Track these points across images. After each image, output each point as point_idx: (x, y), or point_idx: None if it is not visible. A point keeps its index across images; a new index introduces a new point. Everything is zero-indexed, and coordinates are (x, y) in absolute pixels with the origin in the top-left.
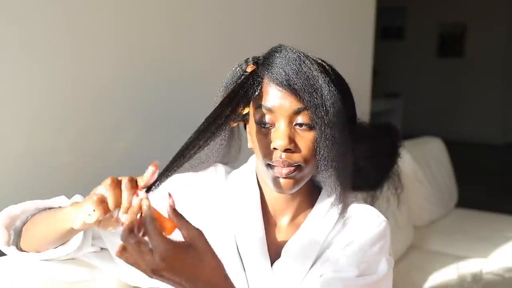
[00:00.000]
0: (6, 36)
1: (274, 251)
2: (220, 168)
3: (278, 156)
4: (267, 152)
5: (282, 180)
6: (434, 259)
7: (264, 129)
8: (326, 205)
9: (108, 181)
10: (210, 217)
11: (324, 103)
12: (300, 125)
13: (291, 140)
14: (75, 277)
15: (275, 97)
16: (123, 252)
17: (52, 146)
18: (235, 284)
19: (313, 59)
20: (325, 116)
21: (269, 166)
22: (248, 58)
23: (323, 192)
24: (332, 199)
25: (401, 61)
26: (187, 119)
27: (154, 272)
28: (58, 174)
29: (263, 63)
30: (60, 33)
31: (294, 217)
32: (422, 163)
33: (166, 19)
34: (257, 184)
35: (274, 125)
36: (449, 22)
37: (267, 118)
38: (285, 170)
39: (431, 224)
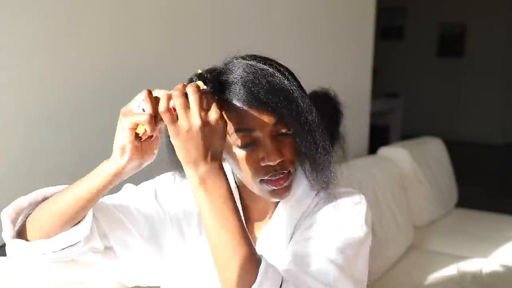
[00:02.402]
0: (6, 37)
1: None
2: None
3: (272, 170)
4: (257, 170)
5: (279, 190)
6: (434, 259)
7: (247, 149)
8: (303, 189)
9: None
10: (192, 217)
11: (302, 111)
12: (281, 134)
13: (280, 151)
14: (73, 277)
15: (252, 117)
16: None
17: (51, 146)
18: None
19: (274, 65)
20: (305, 124)
21: (262, 181)
22: (192, 77)
23: (299, 176)
24: (308, 181)
25: (401, 61)
26: None
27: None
28: (57, 174)
29: (224, 85)
30: (60, 34)
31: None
32: (422, 163)
33: (165, 19)
34: (233, 178)
35: (256, 142)
36: (449, 22)
37: (249, 138)
38: (282, 181)
39: (431, 224)
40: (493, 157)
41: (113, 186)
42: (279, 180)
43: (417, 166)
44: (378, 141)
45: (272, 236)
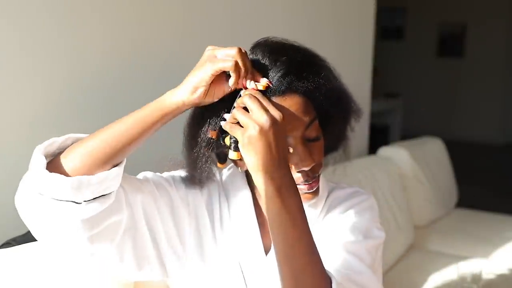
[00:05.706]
0: (6, 36)
1: (269, 243)
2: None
3: (305, 175)
4: None
5: (309, 194)
6: (434, 259)
7: None
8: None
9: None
10: (211, 219)
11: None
12: (311, 140)
13: (312, 156)
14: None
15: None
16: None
17: None
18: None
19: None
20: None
21: None
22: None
23: None
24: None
25: (401, 61)
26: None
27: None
28: None
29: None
30: (60, 34)
31: None
32: (422, 163)
33: (166, 18)
34: (247, 184)
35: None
36: (449, 22)
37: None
38: (315, 184)
39: (431, 224)
40: (493, 157)
41: (165, 123)
42: (312, 185)
43: (417, 166)
44: (378, 141)
45: None
